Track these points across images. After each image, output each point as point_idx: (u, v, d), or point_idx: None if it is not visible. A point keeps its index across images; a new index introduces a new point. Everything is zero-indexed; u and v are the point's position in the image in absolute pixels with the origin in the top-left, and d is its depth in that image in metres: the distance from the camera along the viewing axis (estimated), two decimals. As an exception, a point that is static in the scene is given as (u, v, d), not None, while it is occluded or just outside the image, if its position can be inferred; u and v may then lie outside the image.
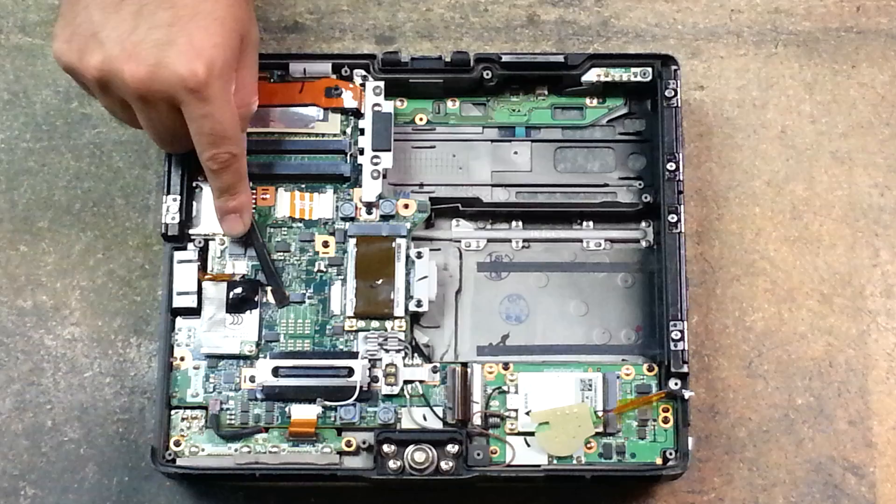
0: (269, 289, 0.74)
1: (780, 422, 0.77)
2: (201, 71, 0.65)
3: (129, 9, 0.65)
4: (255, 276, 0.74)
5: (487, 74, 0.76)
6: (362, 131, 0.75)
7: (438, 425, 0.72)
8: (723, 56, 0.83)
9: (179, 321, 0.74)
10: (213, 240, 0.75)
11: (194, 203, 0.75)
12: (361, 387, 0.72)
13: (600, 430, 0.72)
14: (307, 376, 0.73)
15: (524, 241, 0.77)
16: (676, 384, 0.71)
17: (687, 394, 0.71)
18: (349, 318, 0.73)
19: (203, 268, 0.74)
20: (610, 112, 0.77)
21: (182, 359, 0.73)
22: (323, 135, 0.76)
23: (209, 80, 0.65)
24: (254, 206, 0.75)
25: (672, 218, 0.73)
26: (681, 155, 0.74)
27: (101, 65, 0.65)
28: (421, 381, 0.73)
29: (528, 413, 0.72)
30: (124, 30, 0.65)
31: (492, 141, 0.77)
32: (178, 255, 0.74)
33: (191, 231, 0.75)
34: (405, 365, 0.73)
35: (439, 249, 0.77)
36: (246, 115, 0.70)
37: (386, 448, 0.71)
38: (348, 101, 0.76)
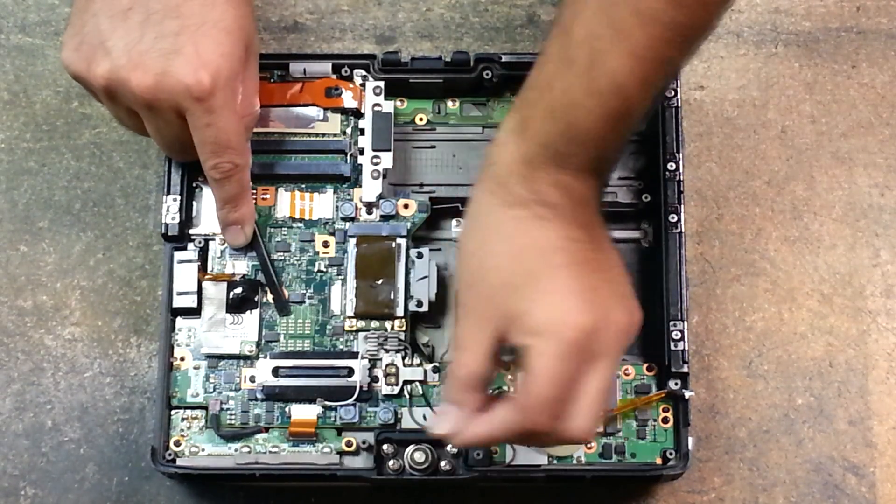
0: (271, 298, 0.74)
1: (780, 422, 0.77)
2: (207, 80, 0.65)
3: (137, 18, 0.65)
4: (255, 277, 0.74)
5: (487, 74, 0.76)
6: (362, 131, 0.75)
7: (438, 425, 0.72)
8: (723, 56, 0.83)
9: (179, 321, 0.74)
10: (213, 240, 0.75)
11: (194, 203, 0.75)
12: (361, 387, 0.72)
13: (600, 430, 0.72)
14: (307, 376, 0.73)
15: (524, 241, 0.77)
16: (676, 384, 0.71)
17: (687, 394, 0.71)
18: (349, 318, 0.73)
19: (203, 268, 0.74)
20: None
21: (182, 359, 0.73)
22: (323, 135, 0.76)
23: (214, 89, 0.65)
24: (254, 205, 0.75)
25: (672, 218, 0.73)
26: (681, 155, 0.74)
27: (109, 73, 0.65)
28: (421, 381, 0.73)
29: (528, 413, 0.72)
30: (131, 39, 0.65)
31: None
32: (178, 255, 0.74)
33: (191, 231, 0.75)
34: (405, 365, 0.73)
35: (439, 249, 0.77)
36: (249, 123, 0.71)
37: (386, 448, 0.71)
38: (348, 101, 0.76)
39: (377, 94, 0.76)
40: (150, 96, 0.65)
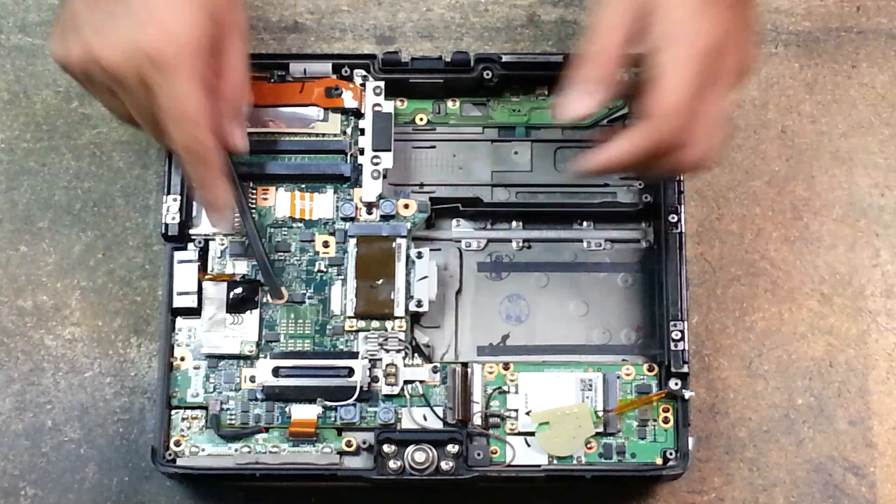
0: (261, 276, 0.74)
1: (780, 422, 0.77)
2: (166, 48, 0.65)
3: None
4: (255, 277, 0.74)
5: (488, 74, 0.76)
6: (362, 131, 0.75)
7: (438, 425, 0.72)
8: (723, 56, 0.83)
9: (179, 321, 0.74)
10: (213, 240, 0.75)
11: (194, 203, 0.75)
12: (361, 387, 0.72)
13: (600, 430, 0.72)
14: (307, 376, 0.73)
15: (524, 241, 0.77)
16: (676, 384, 0.71)
17: (687, 394, 0.71)
18: (349, 318, 0.73)
19: (203, 268, 0.74)
20: (610, 112, 0.77)
21: (182, 359, 0.73)
22: (323, 135, 0.76)
23: (174, 57, 0.65)
24: (254, 205, 0.75)
25: (672, 218, 0.73)
26: (681, 155, 0.74)
27: (82, 53, 0.66)
28: (421, 381, 0.73)
29: (528, 413, 0.72)
30: (100, 17, 0.65)
31: (492, 141, 0.77)
32: (178, 255, 0.74)
33: (191, 231, 0.75)
34: (405, 365, 0.73)
35: (439, 249, 0.77)
36: (235, 102, 0.69)
37: (386, 448, 0.71)
38: (348, 101, 0.76)
39: (377, 94, 0.76)
40: (117, 69, 0.65)
